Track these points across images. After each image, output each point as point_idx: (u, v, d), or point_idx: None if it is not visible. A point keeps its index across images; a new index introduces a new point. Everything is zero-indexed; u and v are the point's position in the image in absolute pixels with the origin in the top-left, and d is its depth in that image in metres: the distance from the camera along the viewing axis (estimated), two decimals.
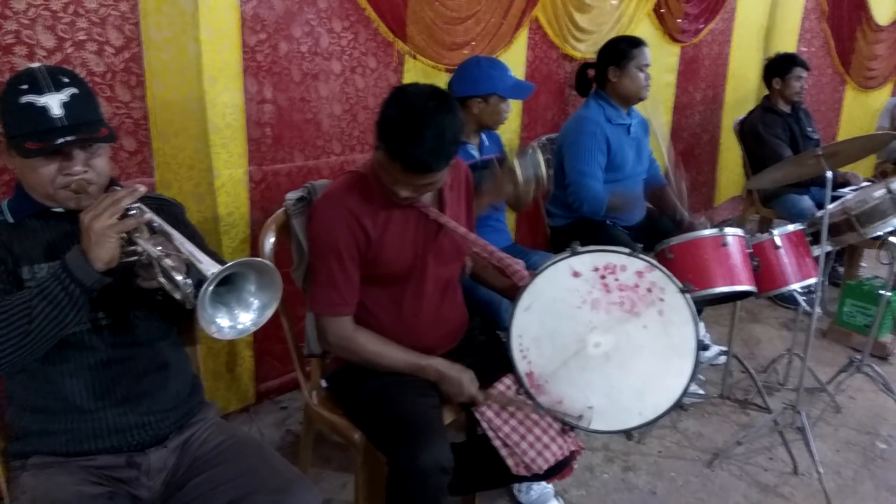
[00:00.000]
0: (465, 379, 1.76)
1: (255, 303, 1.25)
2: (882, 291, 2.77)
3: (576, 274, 1.74)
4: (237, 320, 1.24)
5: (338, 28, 2.58)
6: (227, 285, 1.21)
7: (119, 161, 2.12)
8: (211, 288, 1.15)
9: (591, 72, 2.98)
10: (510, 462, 1.71)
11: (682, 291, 1.72)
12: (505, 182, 2.22)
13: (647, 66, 2.85)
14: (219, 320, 1.20)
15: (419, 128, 1.55)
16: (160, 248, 1.26)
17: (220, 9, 2.19)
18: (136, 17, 2.08)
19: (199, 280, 1.17)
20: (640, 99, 2.91)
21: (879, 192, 2.56)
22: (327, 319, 1.78)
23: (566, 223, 2.95)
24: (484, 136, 2.60)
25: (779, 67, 3.86)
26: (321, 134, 2.64)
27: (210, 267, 1.18)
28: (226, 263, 1.18)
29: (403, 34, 2.79)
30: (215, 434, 1.53)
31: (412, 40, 2.82)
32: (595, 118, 2.84)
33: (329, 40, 2.56)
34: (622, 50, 2.85)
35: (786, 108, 3.90)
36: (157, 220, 1.31)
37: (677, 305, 1.73)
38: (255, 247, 2.36)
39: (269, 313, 1.27)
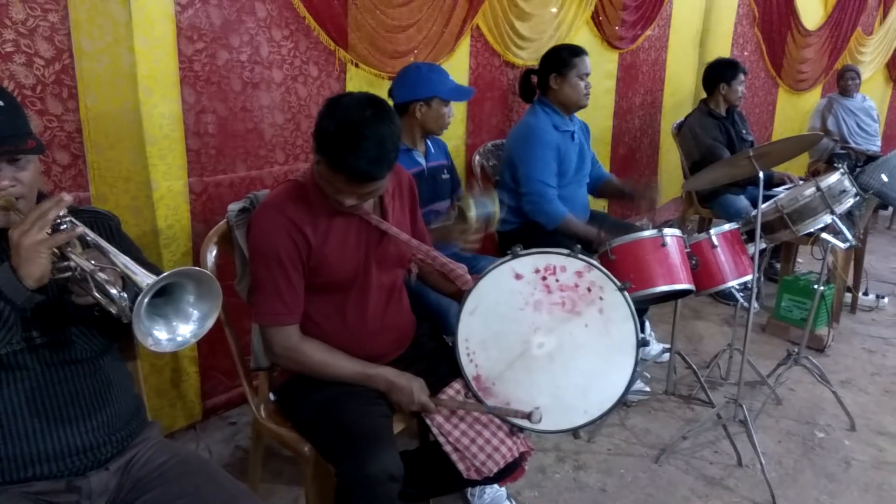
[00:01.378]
0: (415, 387, 1.75)
1: (195, 313, 1.23)
2: (816, 286, 2.86)
3: (518, 276, 1.77)
4: (176, 332, 1.21)
5: (278, 37, 2.56)
6: (165, 296, 1.19)
7: (52, 175, 2.06)
8: (146, 299, 1.12)
9: (535, 78, 3.03)
10: (461, 467, 1.70)
11: (621, 289, 1.76)
12: (456, 231, 2.22)
13: (587, 74, 2.92)
14: (156, 332, 1.18)
15: (358, 139, 1.54)
16: (93, 262, 1.22)
17: (155, 18, 2.15)
18: (67, 28, 2.02)
19: (136, 293, 1.14)
20: (581, 106, 2.97)
21: (810, 191, 2.66)
22: (272, 330, 1.75)
23: (514, 228, 2.99)
24: (430, 143, 2.61)
25: (725, 73, 3.96)
26: (264, 143, 2.61)
27: (145, 278, 1.15)
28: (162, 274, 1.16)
29: (345, 43, 2.78)
30: (158, 453, 1.49)
31: (354, 49, 2.81)
32: (545, 126, 2.90)
33: (269, 49, 2.54)
34: (563, 59, 2.91)
35: (722, 112, 4.02)
36: (90, 234, 1.27)
37: (616, 303, 1.76)
38: (197, 260, 2.32)
39: (210, 323, 1.24)
